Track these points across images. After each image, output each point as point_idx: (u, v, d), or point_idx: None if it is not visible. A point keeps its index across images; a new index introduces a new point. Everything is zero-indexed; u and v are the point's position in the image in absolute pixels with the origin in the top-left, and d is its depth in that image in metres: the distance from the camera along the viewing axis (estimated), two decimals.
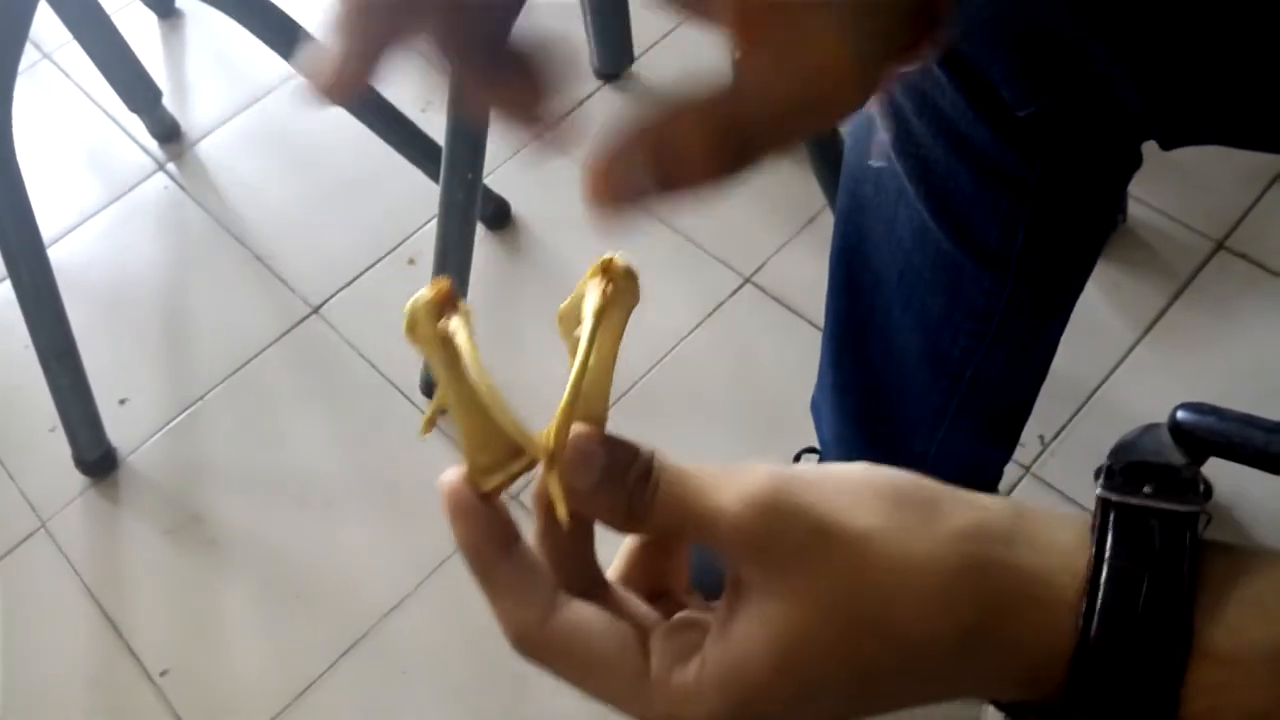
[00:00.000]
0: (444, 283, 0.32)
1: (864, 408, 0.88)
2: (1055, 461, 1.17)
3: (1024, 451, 1.17)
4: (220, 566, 1.22)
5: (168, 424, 1.32)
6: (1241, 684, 0.29)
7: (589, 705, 1.11)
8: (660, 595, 0.38)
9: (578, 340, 0.33)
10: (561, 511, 0.32)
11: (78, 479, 1.29)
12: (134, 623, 1.19)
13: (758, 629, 0.31)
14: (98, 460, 1.28)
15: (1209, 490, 0.32)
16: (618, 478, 0.33)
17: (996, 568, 0.31)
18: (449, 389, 0.33)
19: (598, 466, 0.33)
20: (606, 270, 0.33)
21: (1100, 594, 0.30)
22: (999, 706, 0.34)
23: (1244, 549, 0.31)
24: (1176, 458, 1.07)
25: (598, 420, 0.34)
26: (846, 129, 0.76)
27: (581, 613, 0.33)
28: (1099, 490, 0.32)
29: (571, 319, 0.34)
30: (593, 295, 0.33)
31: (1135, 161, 0.67)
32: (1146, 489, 0.32)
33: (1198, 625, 0.29)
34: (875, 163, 0.71)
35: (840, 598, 0.30)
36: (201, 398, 1.34)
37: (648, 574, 0.38)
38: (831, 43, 0.26)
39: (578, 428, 0.33)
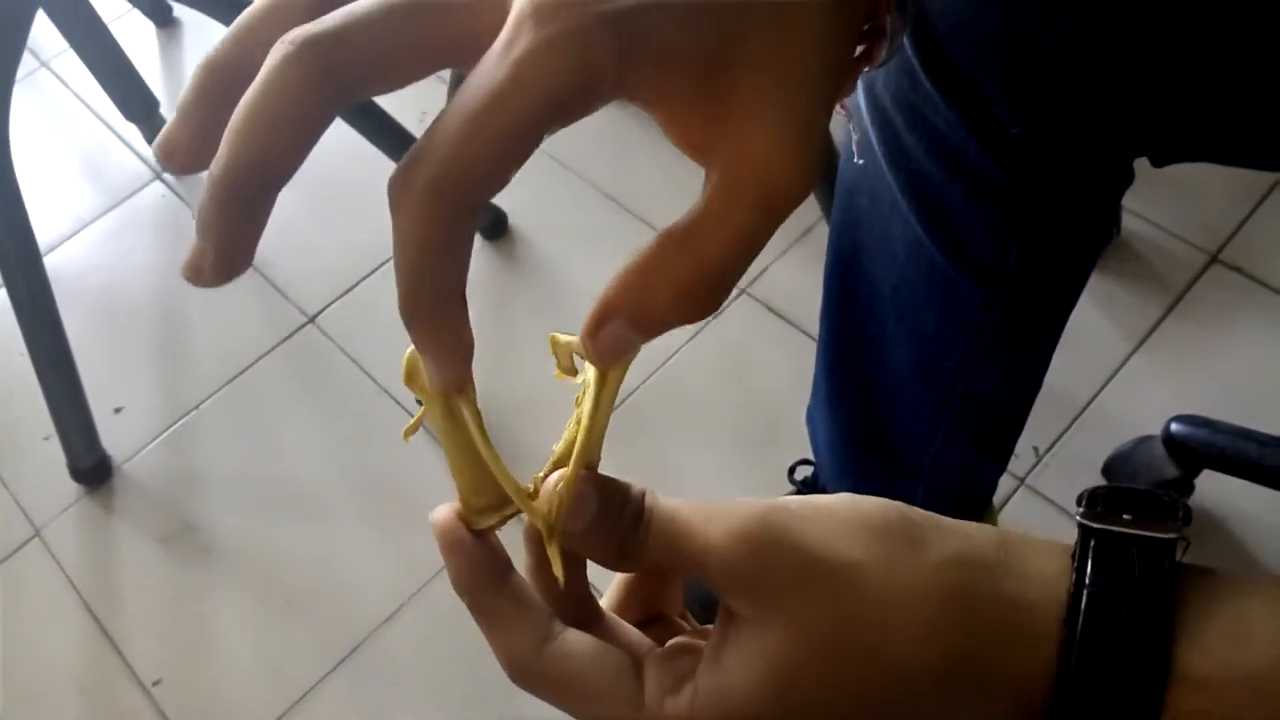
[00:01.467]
0: None
1: (858, 420, 0.88)
2: (1049, 473, 1.18)
3: (1018, 463, 1.17)
4: (214, 575, 1.22)
5: (163, 433, 1.32)
6: (1220, 708, 0.29)
7: None
8: (654, 621, 0.38)
9: (577, 383, 0.34)
10: (559, 573, 0.33)
11: (72, 487, 1.29)
12: (127, 632, 1.19)
13: (749, 659, 0.31)
14: (92, 468, 1.28)
15: (1188, 515, 0.32)
16: (611, 520, 0.33)
17: (981, 597, 0.31)
18: (445, 436, 0.34)
19: (591, 510, 0.33)
20: None
21: (1080, 622, 0.30)
22: None
23: (1222, 573, 0.31)
24: (1170, 470, 1.07)
25: (591, 463, 0.34)
26: (841, 142, 0.77)
27: (576, 642, 0.33)
28: (1079, 517, 0.32)
29: (565, 353, 0.35)
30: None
31: (1127, 178, 0.68)
32: (1126, 516, 0.32)
33: (1176, 650, 0.30)
34: (857, 160, 0.72)
35: (829, 629, 0.31)
36: (197, 406, 1.34)
37: (641, 601, 0.38)
38: (785, 158, 0.28)
39: (569, 471, 0.34)
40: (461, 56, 0.28)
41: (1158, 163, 0.61)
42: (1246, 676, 0.29)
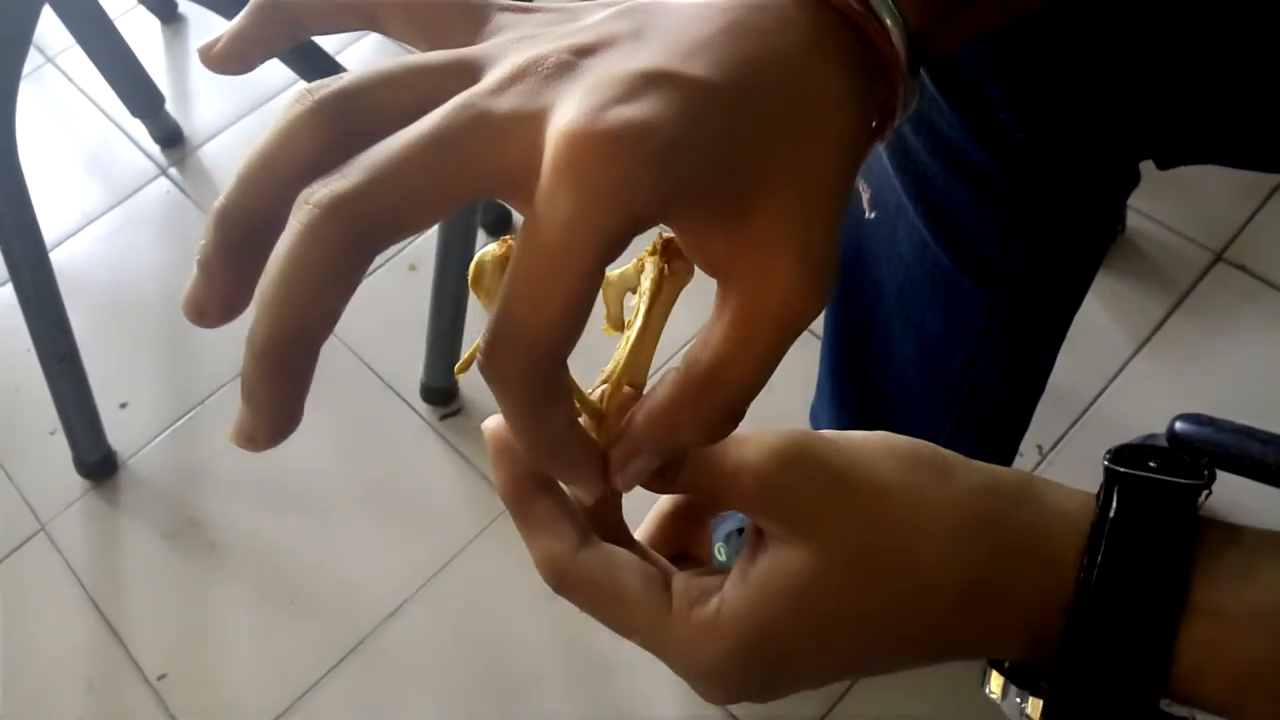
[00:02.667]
0: (513, 239, 0.34)
1: (863, 419, 0.88)
2: (1053, 472, 1.18)
3: (1022, 461, 1.17)
4: (219, 570, 1.22)
5: (168, 428, 1.33)
6: (1232, 641, 0.30)
7: (585, 711, 1.11)
8: (682, 559, 0.39)
9: (627, 309, 0.35)
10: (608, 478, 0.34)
11: (78, 482, 1.29)
12: (132, 626, 1.19)
13: (777, 572, 0.32)
14: (98, 463, 1.29)
15: (1213, 474, 0.34)
16: None
17: (1003, 523, 0.33)
18: None
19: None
20: (667, 248, 0.35)
21: (1101, 551, 0.31)
22: (1000, 671, 0.35)
23: (1239, 525, 0.32)
24: None
25: (639, 385, 0.35)
26: None
27: (611, 551, 0.34)
28: (1106, 463, 0.34)
29: (619, 285, 0.36)
30: (650, 270, 0.35)
31: (1133, 180, 0.67)
32: (1151, 464, 0.34)
33: (1192, 584, 0.31)
34: (868, 215, 0.72)
35: (856, 547, 0.32)
36: (202, 402, 1.34)
37: (672, 539, 0.39)
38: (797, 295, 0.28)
39: (620, 390, 0.35)
40: (493, 191, 0.28)
41: (1163, 165, 0.61)
42: (1254, 609, 0.30)
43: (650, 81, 0.27)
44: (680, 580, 0.34)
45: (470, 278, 0.34)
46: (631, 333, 0.34)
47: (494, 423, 0.35)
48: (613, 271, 0.36)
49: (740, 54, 0.29)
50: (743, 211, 0.28)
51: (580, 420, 0.34)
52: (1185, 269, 1.29)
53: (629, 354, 0.34)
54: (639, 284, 0.35)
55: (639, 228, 0.27)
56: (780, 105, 0.29)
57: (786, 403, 1.22)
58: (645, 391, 0.33)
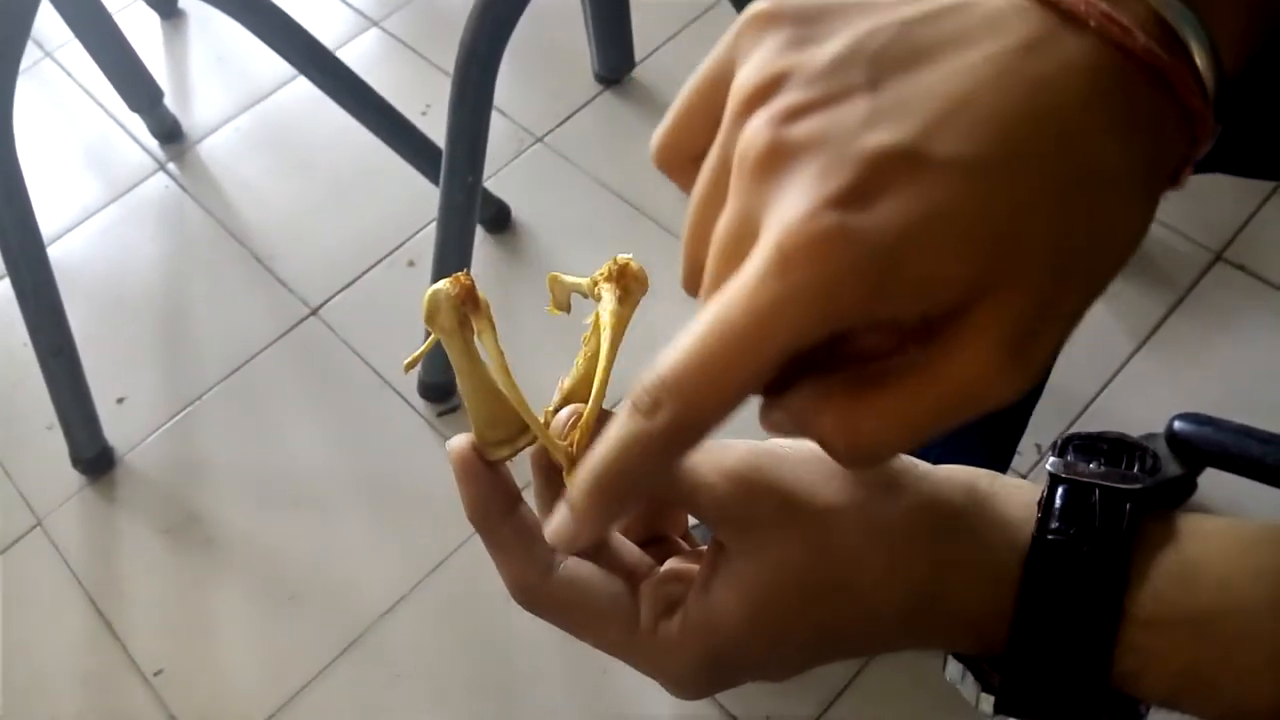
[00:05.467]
0: (466, 279, 0.35)
1: None
2: None
3: (1021, 460, 1.17)
4: (216, 566, 1.22)
5: (165, 423, 1.32)
6: (1167, 649, 0.31)
7: (582, 709, 1.11)
8: (656, 541, 0.40)
9: (586, 327, 0.36)
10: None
11: (74, 477, 1.29)
12: (129, 622, 1.19)
13: (733, 589, 0.34)
14: (95, 459, 1.28)
15: (1156, 465, 0.34)
16: None
17: (947, 538, 0.33)
18: (464, 371, 0.36)
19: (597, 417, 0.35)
20: (622, 274, 0.36)
21: (1040, 565, 0.32)
22: (957, 657, 0.36)
23: (1181, 519, 0.33)
24: (1173, 468, 1.07)
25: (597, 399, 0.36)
26: None
27: (578, 570, 0.36)
28: (1049, 465, 0.34)
29: (564, 292, 0.38)
30: (608, 299, 0.36)
31: None
32: (1093, 465, 0.34)
33: (1129, 593, 0.31)
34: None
35: (805, 565, 0.33)
36: (199, 397, 1.34)
37: (644, 523, 0.40)
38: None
39: (581, 406, 0.36)
40: None
41: None
42: (1190, 617, 0.31)
43: (886, 167, 0.25)
44: (647, 590, 0.36)
45: (425, 314, 0.35)
46: (599, 371, 0.35)
47: (459, 443, 0.36)
48: (566, 277, 0.38)
49: (1005, 113, 0.25)
50: (968, 303, 0.26)
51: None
52: (1185, 269, 1.29)
53: (598, 385, 0.35)
54: (595, 296, 0.36)
55: (834, 329, 0.26)
56: (1047, 182, 0.25)
57: None
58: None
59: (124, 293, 1.45)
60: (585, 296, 0.37)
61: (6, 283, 1.21)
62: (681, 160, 0.32)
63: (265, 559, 1.22)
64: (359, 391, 1.32)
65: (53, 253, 1.24)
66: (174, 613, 1.20)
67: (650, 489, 0.33)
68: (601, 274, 0.36)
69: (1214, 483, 1.09)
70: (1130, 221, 0.27)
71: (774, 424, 0.31)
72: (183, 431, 1.32)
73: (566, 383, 0.37)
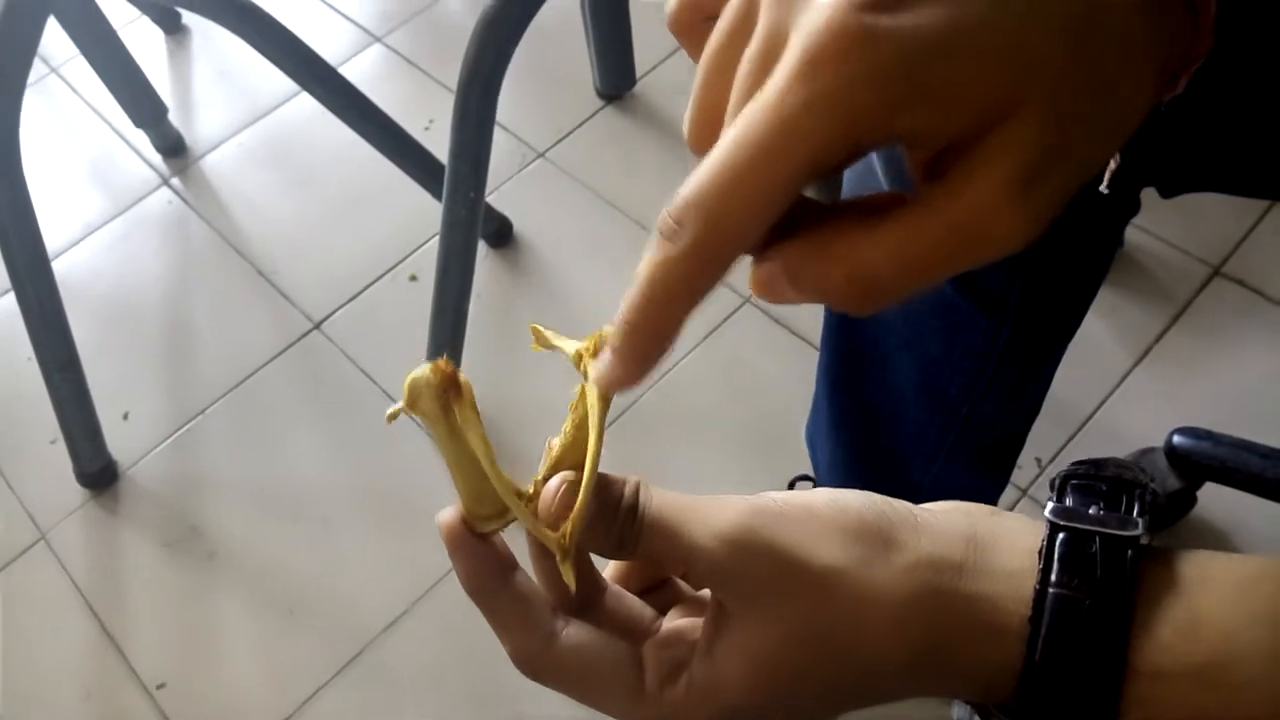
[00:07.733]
0: (447, 366, 0.35)
1: (860, 440, 0.88)
2: None
3: (1021, 474, 1.18)
4: (218, 580, 1.22)
5: (168, 437, 1.33)
6: (1170, 697, 0.31)
7: None
8: (657, 587, 0.40)
9: (577, 384, 0.35)
10: (571, 585, 0.35)
11: (78, 491, 1.29)
12: (131, 635, 1.19)
13: (736, 653, 0.34)
14: (98, 473, 1.29)
15: (1155, 501, 0.34)
16: (609, 518, 0.35)
17: (948, 594, 0.33)
18: (449, 450, 0.35)
19: (591, 513, 0.35)
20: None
21: (1044, 620, 0.32)
22: (966, 701, 0.36)
23: (1184, 561, 0.33)
24: (1172, 482, 1.08)
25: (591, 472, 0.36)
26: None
27: (580, 637, 0.36)
28: (1047, 513, 0.34)
29: (546, 341, 0.37)
30: (593, 373, 0.34)
31: (1133, 208, 0.68)
32: (1093, 510, 0.34)
33: (1133, 644, 0.31)
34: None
35: (806, 626, 0.33)
36: (202, 412, 1.34)
37: (644, 572, 0.40)
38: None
39: (570, 474, 0.35)
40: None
41: (1166, 194, 0.61)
42: (1195, 668, 0.31)
43: None
44: (651, 652, 0.36)
45: (406, 401, 0.34)
46: (589, 459, 0.35)
47: (448, 516, 0.36)
48: (550, 334, 0.37)
49: None
50: (980, 131, 0.26)
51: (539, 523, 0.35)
52: (1183, 283, 1.29)
53: (587, 476, 0.34)
54: (581, 371, 0.35)
55: (858, 145, 0.26)
56: (1069, 22, 0.26)
57: (785, 414, 1.22)
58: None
59: (127, 307, 1.45)
60: (553, 351, 0.37)
61: (11, 297, 1.22)
62: (698, 20, 0.32)
63: (267, 573, 1.22)
64: (361, 405, 1.32)
65: (57, 267, 1.25)
66: (176, 626, 1.20)
67: (683, 322, 0.30)
68: (586, 348, 0.35)
69: (1213, 497, 1.09)
70: (1137, 86, 0.28)
71: (765, 276, 0.30)
72: (186, 445, 1.32)
73: (556, 449, 0.36)
